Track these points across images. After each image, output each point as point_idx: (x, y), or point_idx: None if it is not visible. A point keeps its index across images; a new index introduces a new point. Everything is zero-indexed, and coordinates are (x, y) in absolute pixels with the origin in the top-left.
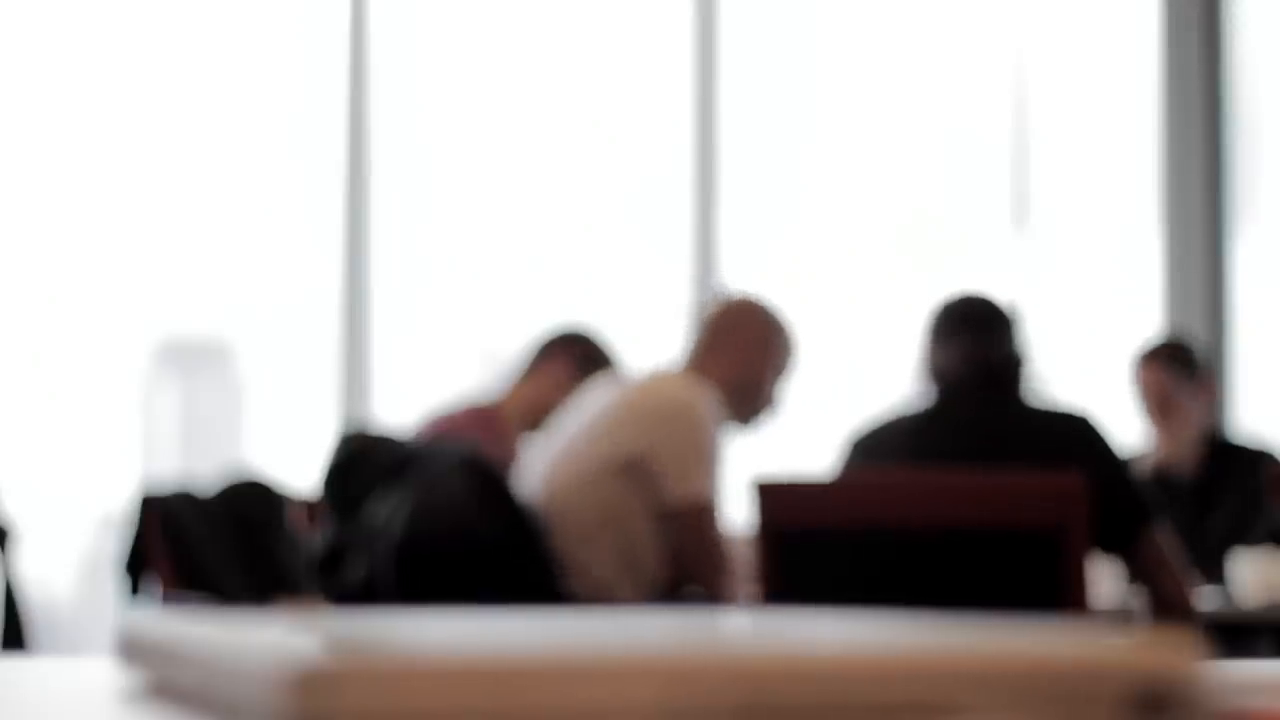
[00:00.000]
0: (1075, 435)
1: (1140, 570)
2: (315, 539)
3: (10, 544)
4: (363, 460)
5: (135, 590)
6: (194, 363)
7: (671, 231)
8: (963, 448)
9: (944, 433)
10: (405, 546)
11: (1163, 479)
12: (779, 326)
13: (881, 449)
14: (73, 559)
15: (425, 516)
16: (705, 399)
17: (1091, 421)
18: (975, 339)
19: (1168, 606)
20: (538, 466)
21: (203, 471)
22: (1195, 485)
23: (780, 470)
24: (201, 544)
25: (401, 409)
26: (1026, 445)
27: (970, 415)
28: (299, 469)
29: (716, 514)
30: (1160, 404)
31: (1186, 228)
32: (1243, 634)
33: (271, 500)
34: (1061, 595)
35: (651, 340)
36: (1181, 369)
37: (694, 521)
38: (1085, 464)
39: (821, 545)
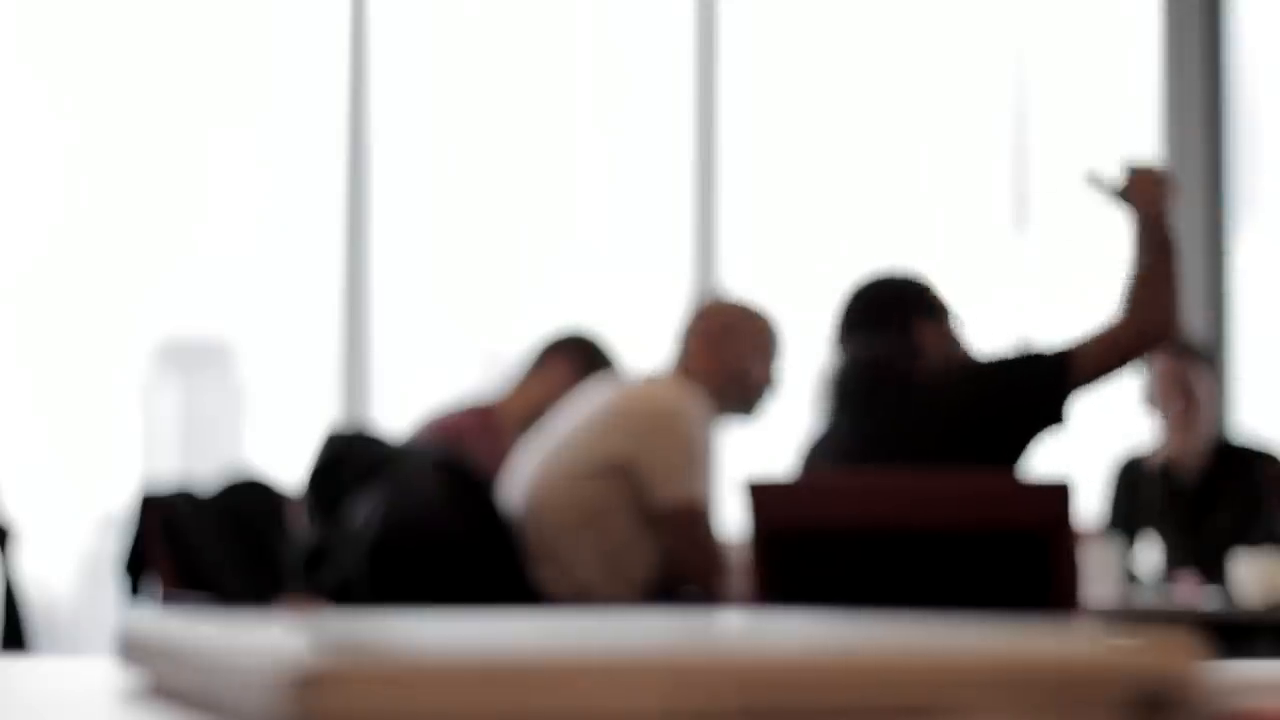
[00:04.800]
0: (965, 385)
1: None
2: (301, 539)
3: (10, 544)
4: (345, 460)
5: (135, 590)
6: (194, 363)
7: (671, 231)
8: (876, 449)
9: (856, 437)
10: (379, 546)
11: (1166, 478)
12: (762, 322)
13: (819, 457)
14: (73, 559)
15: (399, 517)
16: (694, 402)
17: (978, 359)
18: (845, 344)
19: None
20: (526, 467)
21: (203, 471)
22: (1197, 485)
23: (776, 470)
24: (201, 544)
25: (401, 409)
26: (936, 423)
27: (870, 419)
28: (299, 469)
29: (708, 516)
30: (1183, 396)
31: (1186, 228)
32: (1243, 634)
33: (271, 500)
34: (1053, 595)
35: (652, 341)
36: (1200, 365)
37: (686, 523)
38: (988, 392)
39: (814, 546)
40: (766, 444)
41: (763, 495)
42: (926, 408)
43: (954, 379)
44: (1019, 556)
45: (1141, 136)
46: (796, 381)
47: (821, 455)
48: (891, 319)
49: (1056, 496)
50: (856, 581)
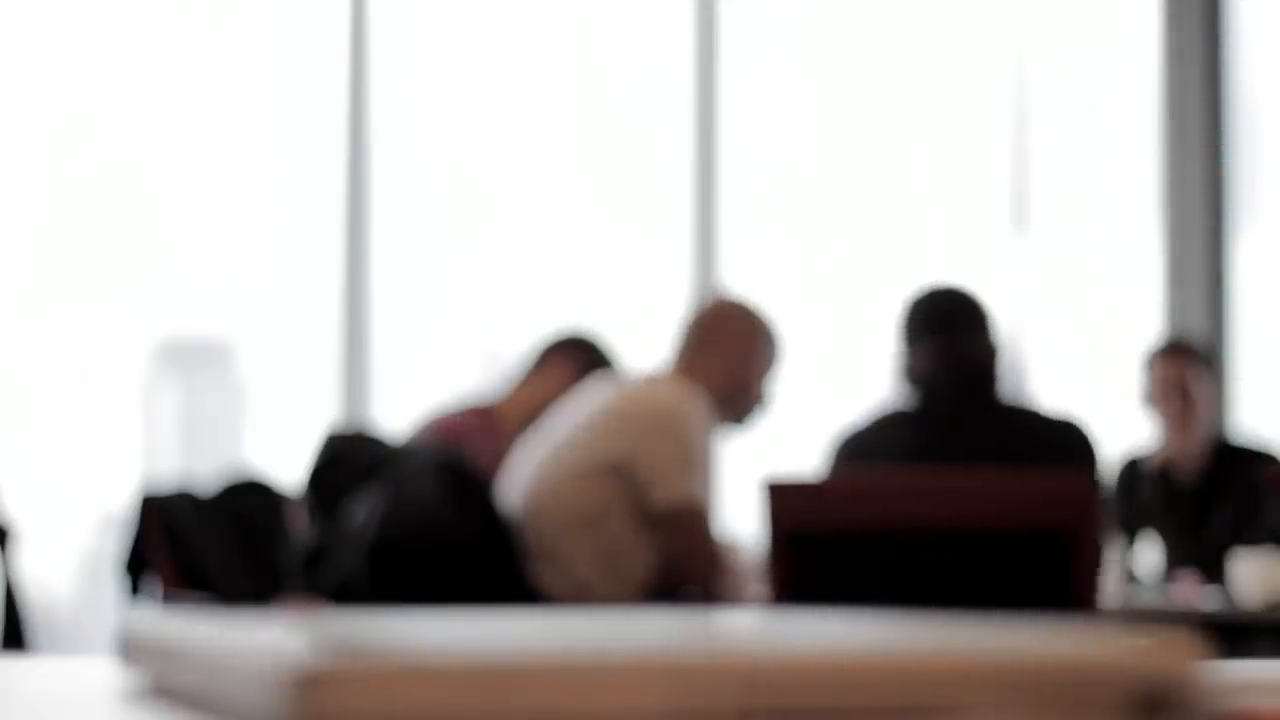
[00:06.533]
0: (1067, 443)
1: None
2: (300, 539)
3: (10, 544)
4: (345, 460)
5: (135, 590)
6: (194, 363)
7: (671, 231)
8: (948, 448)
9: (928, 434)
10: (379, 546)
11: (1166, 478)
12: (763, 325)
13: (866, 451)
14: (73, 559)
15: (398, 517)
16: (693, 403)
17: (1085, 430)
18: (949, 337)
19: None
20: (524, 467)
21: (203, 471)
22: (1196, 485)
23: (791, 471)
24: (201, 544)
25: (401, 409)
26: (1014, 447)
27: (952, 415)
28: (299, 469)
29: (707, 516)
30: (1181, 397)
31: (1186, 228)
32: (1243, 634)
33: (271, 500)
34: (1072, 597)
35: (652, 341)
36: (1198, 365)
37: (684, 524)
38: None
39: (832, 546)
40: (764, 445)
41: (782, 495)
42: (1014, 434)
43: (1066, 438)
44: (1039, 558)
45: (1141, 136)
46: (796, 381)
47: (880, 450)
48: (971, 322)
49: (1079, 496)
50: (876, 582)
